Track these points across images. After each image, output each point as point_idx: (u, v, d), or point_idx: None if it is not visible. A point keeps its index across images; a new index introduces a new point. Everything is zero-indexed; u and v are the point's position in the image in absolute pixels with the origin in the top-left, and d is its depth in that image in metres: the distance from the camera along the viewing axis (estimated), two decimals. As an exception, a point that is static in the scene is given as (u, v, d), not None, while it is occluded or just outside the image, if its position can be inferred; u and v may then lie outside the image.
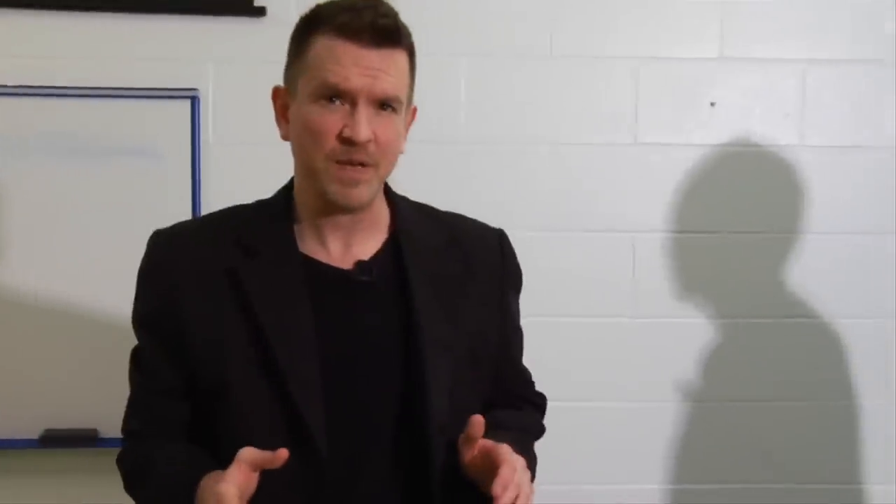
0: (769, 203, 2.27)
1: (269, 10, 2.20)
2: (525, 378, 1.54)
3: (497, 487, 1.19)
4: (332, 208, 1.33)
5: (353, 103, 1.28)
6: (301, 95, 1.32)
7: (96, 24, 2.16)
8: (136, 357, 1.40)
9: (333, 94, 1.28)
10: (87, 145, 2.15)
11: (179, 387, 1.35)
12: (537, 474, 1.37)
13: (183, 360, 1.33)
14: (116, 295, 2.14)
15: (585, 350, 2.26)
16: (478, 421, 1.25)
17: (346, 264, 1.36)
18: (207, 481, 1.23)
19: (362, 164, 1.29)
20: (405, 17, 2.16)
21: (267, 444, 1.22)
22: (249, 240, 1.34)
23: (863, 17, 2.26)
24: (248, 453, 1.19)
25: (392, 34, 1.30)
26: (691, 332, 2.26)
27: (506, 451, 1.24)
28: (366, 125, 1.28)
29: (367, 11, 1.28)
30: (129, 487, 1.41)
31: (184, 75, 2.18)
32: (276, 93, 1.38)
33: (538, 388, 1.55)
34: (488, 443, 1.26)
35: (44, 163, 2.15)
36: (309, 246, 1.36)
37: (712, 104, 2.24)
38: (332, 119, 1.28)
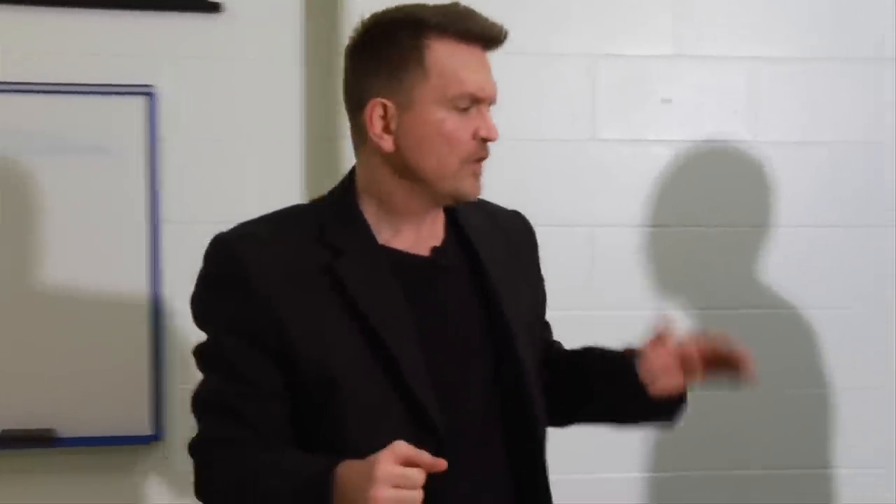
0: (722, 197, 2.31)
1: (224, 6, 2.20)
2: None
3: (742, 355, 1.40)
4: (440, 203, 1.41)
5: (481, 106, 1.37)
6: (424, 103, 1.35)
7: (49, 18, 2.14)
8: (218, 363, 1.35)
9: (471, 102, 1.36)
10: (40, 143, 2.13)
11: (280, 388, 1.33)
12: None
13: (283, 361, 1.32)
14: (71, 294, 2.14)
15: None
16: (667, 319, 1.42)
17: (423, 251, 1.42)
18: (348, 466, 1.21)
19: None
20: (357, 14, 2.19)
21: (384, 427, 1.28)
22: (332, 238, 1.37)
23: (812, 15, 2.31)
24: (404, 447, 1.18)
25: (503, 37, 1.39)
26: (649, 324, 2.28)
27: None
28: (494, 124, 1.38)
29: (477, 17, 1.37)
30: (232, 499, 1.32)
31: (140, 72, 2.18)
32: (374, 107, 1.36)
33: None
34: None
35: (-5, 160, 2.12)
36: (385, 237, 1.40)
37: (666, 101, 2.28)
38: (468, 123, 1.36)
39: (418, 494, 1.17)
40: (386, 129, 1.36)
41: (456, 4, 1.39)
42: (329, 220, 1.39)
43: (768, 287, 2.33)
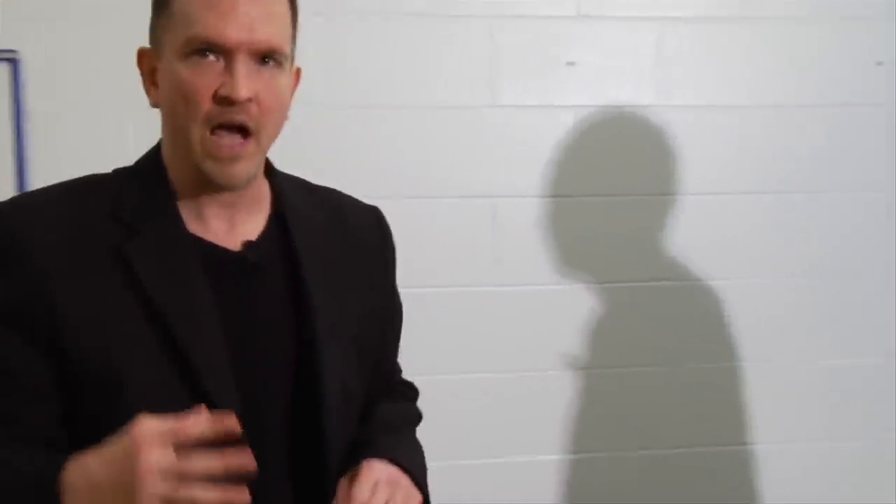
0: (631, 164, 2.24)
1: (97, -37, 2.04)
2: (398, 367, 1.47)
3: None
4: (209, 185, 1.19)
5: (229, 58, 1.14)
6: (168, 53, 1.16)
7: None
8: None
9: (206, 49, 1.14)
10: None
11: (48, 386, 1.15)
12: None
13: (57, 354, 1.14)
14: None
15: (450, 321, 2.19)
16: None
17: (233, 245, 1.23)
18: (85, 460, 1.05)
19: (243, 130, 1.15)
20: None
21: None
22: (128, 215, 1.19)
23: (721, -29, 2.24)
24: (155, 422, 1.02)
25: None
26: (555, 297, 2.22)
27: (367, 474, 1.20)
28: (245, 81, 1.13)
29: None
30: None
31: (1, 36, 2.01)
32: (142, 55, 1.22)
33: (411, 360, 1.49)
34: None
35: None
36: (190, 224, 1.21)
37: (570, 64, 2.19)
38: (206, 77, 1.14)
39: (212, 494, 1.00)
40: (153, 81, 1.21)
41: None
42: (128, 193, 1.21)
43: (676, 259, 2.26)
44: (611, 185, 2.23)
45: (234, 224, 1.23)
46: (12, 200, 1.22)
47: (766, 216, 2.28)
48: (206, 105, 1.14)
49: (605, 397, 2.25)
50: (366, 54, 2.12)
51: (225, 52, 1.13)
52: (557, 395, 2.23)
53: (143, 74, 1.22)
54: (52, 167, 2.03)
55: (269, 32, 1.15)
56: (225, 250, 1.22)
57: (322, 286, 1.25)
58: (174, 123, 1.18)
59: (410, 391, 1.48)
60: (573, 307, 2.23)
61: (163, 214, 1.20)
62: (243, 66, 1.13)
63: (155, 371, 1.15)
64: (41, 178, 2.01)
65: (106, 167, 2.09)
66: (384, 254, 1.37)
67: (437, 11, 2.13)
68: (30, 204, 1.21)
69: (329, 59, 2.10)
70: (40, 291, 1.14)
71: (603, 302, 2.25)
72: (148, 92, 1.22)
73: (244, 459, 1.02)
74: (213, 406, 1.10)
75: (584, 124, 2.20)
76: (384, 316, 1.36)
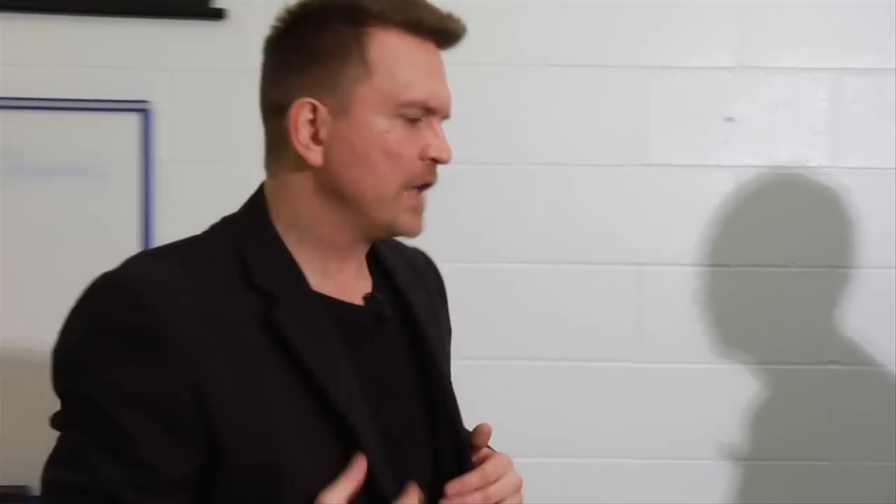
0: (796, 232, 2.05)
1: (229, 13, 2.00)
2: None
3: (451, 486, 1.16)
4: (373, 237, 1.21)
5: (431, 118, 1.16)
6: (365, 108, 1.12)
7: (32, 27, 1.96)
8: (103, 442, 1.03)
9: (422, 112, 1.14)
10: (23, 164, 1.97)
11: (188, 476, 1.05)
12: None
13: (200, 442, 1.04)
14: (53, 334, 1.94)
15: (586, 399, 2.04)
16: (485, 431, 1.23)
17: (355, 299, 1.20)
18: None
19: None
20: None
21: None
22: (262, 280, 1.11)
23: (904, 19, 2.04)
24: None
25: (461, 31, 1.18)
26: (704, 377, 2.04)
27: (498, 457, 1.22)
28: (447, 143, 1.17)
29: (428, 5, 1.15)
30: None
31: (133, 86, 1.99)
32: (301, 109, 1.13)
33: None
34: (487, 451, 1.23)
35: (-27, 183, 1.97)
36: (314, 281, 1.16)
37: (730, 119, 2.03)
38: (416, 139, 1.14)
39: None
40: (314, 137, 1.13)
41: None
42: (251, 257, 1.13)
43: (848, 339, 2.04)
44: (774, 256, 2.04)
45: (350, 276, 1.21)
46: (131, 271, 1.10)
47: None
48: (416, 166, 1.14)
49: (764, 494, 2.04)
50: (504, 107, 2.01)
51: (431, 113, 1.15)
52: (709, 487, 2.04)
53: (297, 128, 1.13)
54: (178, 217, 2.01)
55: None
56: (352, 307, 1.19)
57: (435, 337, 1.26)
58: (365, 181, 1.13)
59: None
60: (727, 390, 2.04)
61: (288, 276, 1.14)
62: (440, 126, 1.17)
63: (318, 455, 1.08)
64: (167, 227, 2.00)
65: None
66: (443, 294, 1.39)
67: (584, 62, 2.01)
68: (156, 274, 1.09)
69: (466, 110, 1.97)
70: (183, 375, 1.04)
71: (762, 385, 2.04)
72: (307, 148, 1.13)
73: None
74: (376, 485, 1.10)
75: (744, 187, 2.03)
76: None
